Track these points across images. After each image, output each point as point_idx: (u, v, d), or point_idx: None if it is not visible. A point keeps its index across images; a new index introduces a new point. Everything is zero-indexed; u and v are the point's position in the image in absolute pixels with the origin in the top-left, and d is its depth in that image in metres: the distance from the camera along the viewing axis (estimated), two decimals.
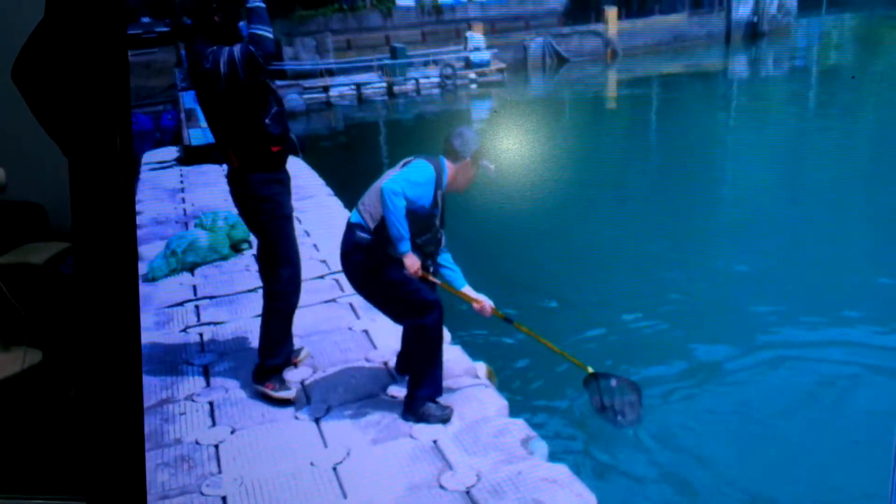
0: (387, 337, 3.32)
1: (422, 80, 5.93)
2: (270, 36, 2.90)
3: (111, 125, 2.40)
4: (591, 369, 3.15)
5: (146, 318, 3.81)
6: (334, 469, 2.79)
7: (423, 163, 2.98)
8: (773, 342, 3.65)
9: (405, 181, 2.92)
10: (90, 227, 2.43)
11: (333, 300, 3.85)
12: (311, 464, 2.82)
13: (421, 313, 3.01)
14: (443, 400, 3.08)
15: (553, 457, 2.86)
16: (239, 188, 3.13)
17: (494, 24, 6.25)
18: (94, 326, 2.48)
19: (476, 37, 6.19)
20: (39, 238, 4.12)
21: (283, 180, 3.16)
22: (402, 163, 3.02)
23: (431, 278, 3.04)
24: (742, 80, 5.38)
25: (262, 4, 2.87)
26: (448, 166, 3.00)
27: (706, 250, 3.86)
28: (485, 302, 3.08)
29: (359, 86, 6.18)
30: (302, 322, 3.50)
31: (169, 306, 3.92)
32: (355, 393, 3.18)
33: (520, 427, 2.97)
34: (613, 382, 3.12)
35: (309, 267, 4.06)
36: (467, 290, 3.10)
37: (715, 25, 5.91)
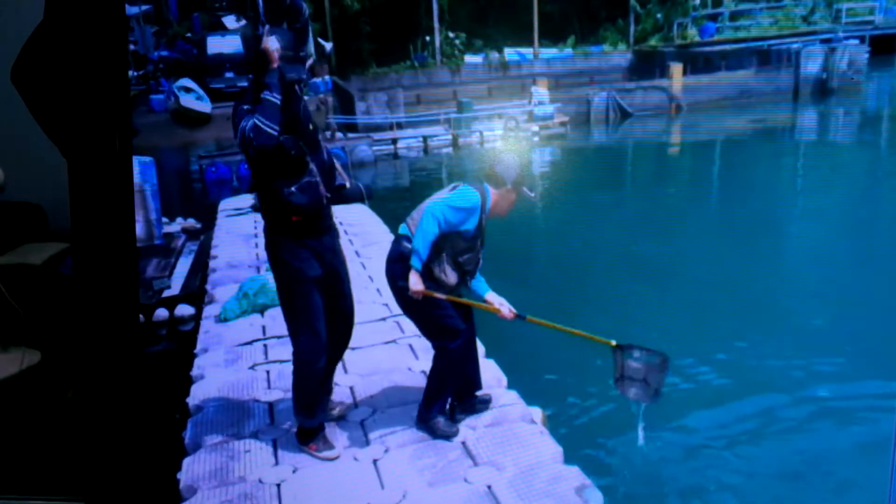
0: None
1: (486, 133, 6.07)
2: (271, 132, 2.84)
3: (111, 126, 2.42)
4: (614, 343, 3.13)
5: (217, 356, 3.96)
6: None
7: (470, 189, 3.09)
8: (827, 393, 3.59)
9: (448, 207, 3.03)
10: (89, 228, 2.45)
11: (394, 341, 3.93)
12: None
13: (446, 337, 3.12)
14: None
15: None
16: (266, 244, 3.10)
17: (559, 79, 6.38)
18: (93, 327, 2.49)
19: (540, 91, 6.32)
20: (39, 238, 4.09)
21: (312, 247, 3.05)
22: (450, 186, 3.13)
23: (438, 295, 3.07)
24: (810, 135, 5.33)
25: (274, 100, 2.85)
26: (491, 192, 3.11)
27: (761, 294, 3.82)
28: (504, 309, 3.13)
29: (425, 138, 6.38)
30: (363, 362, 3.60)
31: (239, 345, 4.06)
32: (413, 434, 3.21)
33: (574, 474, 2.94)
34: (637, 353, 3.09)
35: (371, 310, 4.16)
36: (490, 296, 3.16)
37: (783, 81, 5.87)
